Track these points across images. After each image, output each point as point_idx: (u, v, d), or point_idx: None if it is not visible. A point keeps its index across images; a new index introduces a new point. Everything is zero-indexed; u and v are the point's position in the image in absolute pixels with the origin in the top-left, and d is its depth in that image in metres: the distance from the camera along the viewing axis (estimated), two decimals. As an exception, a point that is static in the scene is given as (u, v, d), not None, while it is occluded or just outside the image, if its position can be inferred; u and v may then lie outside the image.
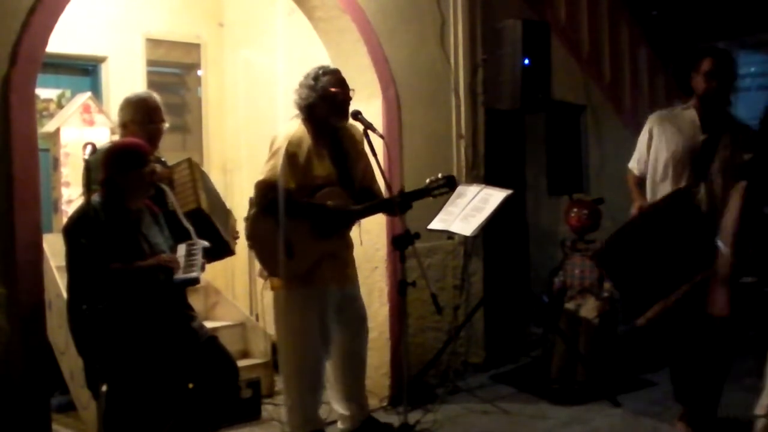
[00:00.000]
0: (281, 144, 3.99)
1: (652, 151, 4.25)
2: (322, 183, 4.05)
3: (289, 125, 4.12)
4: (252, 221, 4.07)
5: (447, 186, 4.15)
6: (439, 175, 4.15)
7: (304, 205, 3.99)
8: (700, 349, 4.05)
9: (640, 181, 4.33)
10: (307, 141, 4.04)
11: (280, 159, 3.93)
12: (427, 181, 4.14)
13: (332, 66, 4.30)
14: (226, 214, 4.50)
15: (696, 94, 4.15)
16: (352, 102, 4.14)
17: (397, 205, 4.02)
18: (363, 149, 4.18)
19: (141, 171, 3.60)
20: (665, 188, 4.17)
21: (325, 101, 4.04)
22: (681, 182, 4.11)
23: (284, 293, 4.12)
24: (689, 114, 4.17)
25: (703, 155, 4.04)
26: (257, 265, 5.79)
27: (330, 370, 4.26)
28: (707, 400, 4.17)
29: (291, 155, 3.97)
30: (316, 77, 4.06)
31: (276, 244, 3.91)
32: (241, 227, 4.45)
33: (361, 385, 4.37)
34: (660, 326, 4.07)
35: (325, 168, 4.06)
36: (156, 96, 4.19)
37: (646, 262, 3.76)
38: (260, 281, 5.92)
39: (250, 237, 4.10)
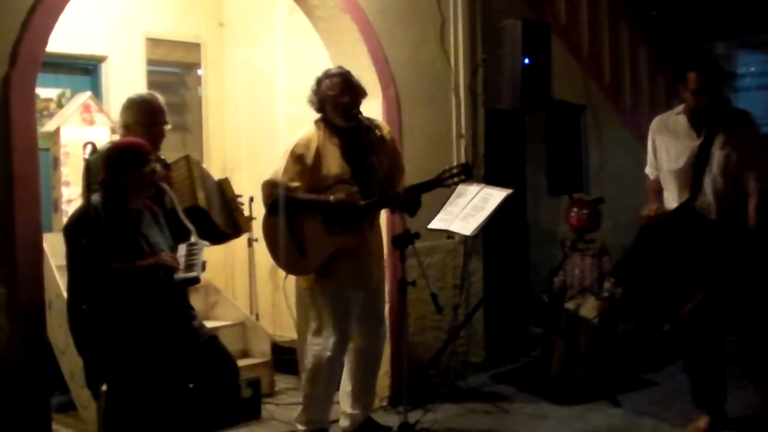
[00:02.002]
0: (288, 147, 4.13)
1: (658, 158, 4.24)
2: (334, 181, 4.10)
3: (302, 129, 4.22)
4: (264, 222, 4.17)
5: (463, 173, 4.17)
6: (453, 164, 4.19)
7: (302, 199, 4.05)
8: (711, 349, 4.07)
9: (659, 185, 4.28)
10: (316, 142, 4.13)
11: (285, 161, 4.08)
12: (441, 171, 4.18)
13: (335, 67, 4.31)
14: (223, 199, 4.42)
15: (686, 106, 4.09)
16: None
17: (396, 202, 4.05)
18: (391, 148, 4.28)
19: (142, 170, 3.58)
20: (671, 195, 4.15)
21: (325, 105, 4.15)
22: (685, 189, 4.06)
23: (306, 292, 4.21)
24: (682, 119, 4.12)
25: (699, 161, 4.01)
26: (258, 266, 5.84)
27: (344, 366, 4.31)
28: (717, 396, 4.20)
29: (298, 156, 4.08)
30: (318, 81, 4.18)
31: (286, 242, 4.05)
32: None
33: (370, 386, 4.38)
34: (683, 330, 4.09)
35: (337, 166, 4.12)
36: (159, 97, 4.11)
37: (663, 274, 3.79)
38: (260, 280, 5.97)
39: (264, 238, 4.17)
